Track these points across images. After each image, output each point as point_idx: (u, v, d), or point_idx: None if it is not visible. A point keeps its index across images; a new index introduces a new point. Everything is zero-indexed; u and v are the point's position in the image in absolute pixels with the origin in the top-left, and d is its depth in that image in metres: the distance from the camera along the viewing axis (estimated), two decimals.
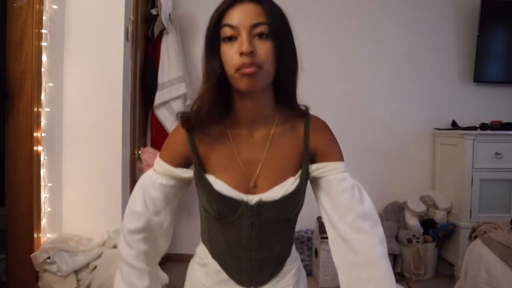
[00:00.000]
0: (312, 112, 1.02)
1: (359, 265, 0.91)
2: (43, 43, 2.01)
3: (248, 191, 0.95)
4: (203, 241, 1.07)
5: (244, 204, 0.94)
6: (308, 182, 1.00)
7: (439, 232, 2.93)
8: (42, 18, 2.00)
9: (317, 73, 3.24)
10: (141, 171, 2.51)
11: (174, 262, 3.15)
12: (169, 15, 2.74)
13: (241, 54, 0.85)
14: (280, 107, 0.98)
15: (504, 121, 3.06)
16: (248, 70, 0.85)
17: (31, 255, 1.95)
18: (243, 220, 0.95)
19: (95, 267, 1.97)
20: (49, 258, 1.94)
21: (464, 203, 2.83)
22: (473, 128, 3.01)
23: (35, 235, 1.98)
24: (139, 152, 2.51)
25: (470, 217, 2.82)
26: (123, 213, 2.30)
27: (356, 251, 0.91)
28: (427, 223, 3.01)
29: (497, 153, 2.85)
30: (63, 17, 2.18)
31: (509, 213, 2.82)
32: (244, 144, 0.96)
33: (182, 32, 3.07)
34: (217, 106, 0.92)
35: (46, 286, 1.93)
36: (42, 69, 2.02)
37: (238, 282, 1.01)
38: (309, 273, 3.01)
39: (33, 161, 1.96)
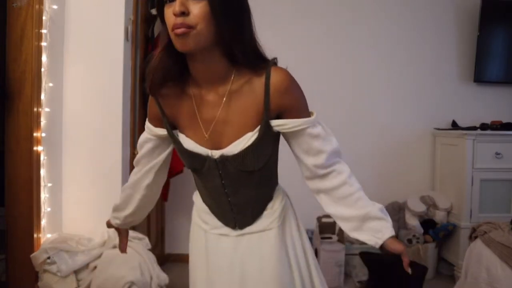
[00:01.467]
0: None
1: (339, 199, 1.05)
2: (43, 43, 2.01)
3: (213, 146, 1.02)
4: (197, 188, 1.20)
5: (209, 158, 1.03)
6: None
7: (439, 232, 2.93)
8: (42, 18, 2.00)
9: (317, 74, 3.24)
10: None
11: (174, 262, 3.15)
12: None
13: (175, 16, 0.88)
14: (239, 65, 0.97)
15: (504, 121, 3.06)
16: (178, 31, 0.89)
17: (31, 255, 1.95)
18: (212, 171, 1.05)
19: (95, 267, 1.96)
20: (49, 258, 1.94)
21: (464, 203, 2.83)
22: (473, 128, 3.01)
23: (35, 235, 1.98)
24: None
25: (470, 217, 2.82)
26: None
27: (333, 185, 1.05)
28: (427, 223, 3.00)
29: (497, 153, 2.85)
30: (63, 17, 2.18)
31: (509, 213, 2.82)
32: (203, 103, 1.01)
33: None
34: (170, 69, 0.97)
35: (46, 286, 1.93)
36: (42, 69, 2.01)
37: (225, 223, 1.13)
38: None
39: (33, 161, 1.96)
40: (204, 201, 1.17)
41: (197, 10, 0.88)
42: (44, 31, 2.01)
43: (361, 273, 2.99)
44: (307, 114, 1.02)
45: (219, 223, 1.13)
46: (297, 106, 1.00)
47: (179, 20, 0.88)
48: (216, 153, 1.02)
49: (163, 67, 0.97)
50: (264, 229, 1.10)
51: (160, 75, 0.98)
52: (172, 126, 1.07)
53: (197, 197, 1.21)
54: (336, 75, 3.25)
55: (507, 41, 3.16)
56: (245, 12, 0.96)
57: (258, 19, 3.50)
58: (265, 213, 1.12)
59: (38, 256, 1.94)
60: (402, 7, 3.25)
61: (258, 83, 0.97)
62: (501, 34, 3.16)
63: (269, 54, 1.00)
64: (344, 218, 1.06)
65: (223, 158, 1.01)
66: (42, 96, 2.02)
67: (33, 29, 1.94)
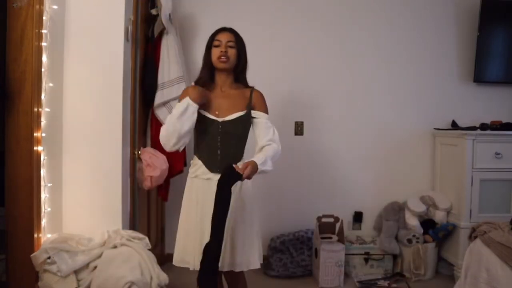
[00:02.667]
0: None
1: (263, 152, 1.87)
2: (43, 43, 2.01)
3: (219, 117, 1.88)
4: (194, 153, 1.94)
5: (216, 121, 1.88)
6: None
7: (439, 232, 2.94)
8: (42, 18, 2.00)
9: (317, 74, 3.24)
10: (141, 171, 2.51)
11: None
12: (169, 15, 2.74)
13: (221, 52, 1.87)
14: (238, 82, 1.96)
15: (504, 121, 3.07)
16: (223, 59, 1.87)
17: (31, 255, 1.95)
18: (215, 130, 1.87)
19: (95, 267, 1.96)
20: (49, 258, 1.94)
21: (464, 203, 2.84)
22: (473, 128, 3.02)
23: (35, 235, 1.98)
24: (139, 152, 2.51)
25: (470, 217, 2.83)
26: (123, 213, 2.31)
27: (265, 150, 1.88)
28: (427, 223, 3.01)
29: (497, 153, 2.85)
30: (63, 17, 2.18)
31: (509, 213, 2.82)
32: (217, 96, 1.91)
33: (182, 32, 3.07)
34: (208, 78, 1.93)
35: (46, 286, 1.93)
36: (42, 69, 2.01)
37: (211, 170, 1.87)
38: (309, 273, 3.01)
39: (33, 161, 1.96)
40: (201, 156, 1.91)
41: (231, 52, 1.88)
42: (44, 31, 2.01)
43: (361, 273, 3.00)
44: (267, 113, 1.95)
45: (207, 171, 1.87)
46: (263, 107, 1.94)
47: (223, 54, 1.86)
48: (220, 119, 1.87)
49: (206, 76, 1.93)
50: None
51: (204, 80, 1.92)
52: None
53: (195, 160, 1.93)
54: (336, 75, 3.25)
55: (507, 41, 3.16)
56: (246, 57, 1.95)
57: (259, 20, 3.51)
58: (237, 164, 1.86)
59: (38, 256, 1.95)
60: (402, 7, 3.25)
61: (247, 92, 1.95)
62: (501, 34, 3.16)
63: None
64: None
65: (224, 122, 1.87)
66: (42, 96, 2.02)
67: (33, 29, 1.95)
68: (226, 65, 1.87)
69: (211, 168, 1.86)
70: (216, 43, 1.88)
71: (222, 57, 1.85)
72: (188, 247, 1.85)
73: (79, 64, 2.20)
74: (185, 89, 1.98)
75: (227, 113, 1.88)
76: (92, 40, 2.20)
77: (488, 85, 3.27)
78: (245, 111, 1.89)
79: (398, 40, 3.26)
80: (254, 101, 1.92)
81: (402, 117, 3.29)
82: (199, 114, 1.84)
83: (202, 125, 1.87)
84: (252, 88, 1.95)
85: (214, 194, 1.70)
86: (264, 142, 1.88)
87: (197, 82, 1.91)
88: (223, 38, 1.88)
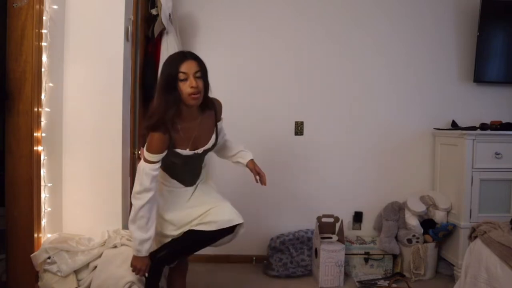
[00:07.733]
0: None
1: (232, 152, 2.11)
2: (43, 43, 2.01)
3: (194, 148, 1.86)
4: (165, 171, 1.92)
5: (196, 154, 1.87)
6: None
7: (439, 232, 2.94)
8: (42, 18, 2.00)
9: (317, 75, 3.24)
10: None
11: None
12: (169, 15, 2.74)
13: (191, 87, 1.71)
14: (203, 107, 1.85)
15: (504, 121, 3.06)
16: (196, 96, 1.73)
17: (31, 255, 1.95)
18: (194, 159, 1.90)
19: (95, 267, 1.97)
20: (49, 258, 1.94)
21: (464, 203, 2.84)
22: (473, 128, 3.01)
23: (35, 235, 1.99)
24: (139, 152, 2.51)
25: (470, 217, 2.82)
26: (123, 213, 2.31)
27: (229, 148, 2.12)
28: (427, 223, 3.01)
29: (497, 153, 2.85)
30: (63, 17, 2.18)
31: (509, 213, 2.82)
32: (188, 130, 1.82)
33: (182, 32, 3.07)
34: (174, 114, 1.74)
35: (46, 286, 1.93)
36: (42, 69, 2.02)
37: (184, 185, 1.95)
38: (309, 273, 3.01)
39: (33, 161, 1.96)
40: (174, 177, 1.93)
41: (200, 84, 1.73)
42: (44, 31, 2.01)
43: (361, 273, 2.99)
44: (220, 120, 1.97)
45: (182, 186, 1.95)
46: (220, 115, 1.95)
47: (195, 90, 1.71)
48: (200, 150, 1.88)
49: (171, 116, 1.72)
50: (201, 180, 2.03)
51: (170, 117, 1.72)
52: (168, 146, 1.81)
53: (164, 180, 1.94)
54: (336, 75, 3.25)
55: (507, 41, 3.16)
56: (209, 83, 1.82)
57: (259, 19, 3.48)
58: (201, 175, 2.03)
59: (38, 256, 1.95)
60: (402, 8, 3.25)
61: (211, 111, 1.90)
62: (501, 34, 3.16)
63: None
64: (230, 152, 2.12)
65: (205, 150, 1.90)
66: (42, 96, 2.02)
67: (33, 29, 1.95)
68: (199, 101, 1.74)
69: (186, 184, 1.95)
70: (182, 76, 1.69)
71: (195, 95, 1.69)
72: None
73: (79, 64, 2.20)
74: (152, 140, 1.74)
75: (205, 142, 1.88)
76: (92, 40, 2.20)
77: (488, 85, 3.27)
78: (215, 129, 1.92)
79: (398, 40, 3.26)
80: (218, 116, 1.93)
81: (402, 117, 3.29)
82: (175, 152, 1.79)
83: (179, 159, 1.82)
84: (212, 104, 1.88)
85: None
86: (228, 143, 2.11)
87: (157, 127, 1.70)
88: (189, 69, 1.69)
